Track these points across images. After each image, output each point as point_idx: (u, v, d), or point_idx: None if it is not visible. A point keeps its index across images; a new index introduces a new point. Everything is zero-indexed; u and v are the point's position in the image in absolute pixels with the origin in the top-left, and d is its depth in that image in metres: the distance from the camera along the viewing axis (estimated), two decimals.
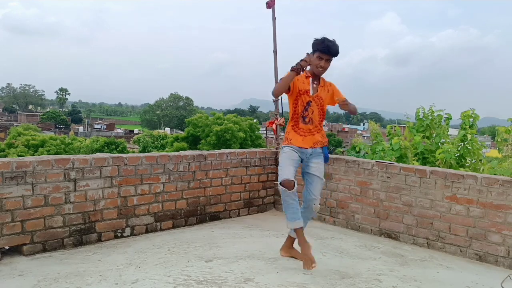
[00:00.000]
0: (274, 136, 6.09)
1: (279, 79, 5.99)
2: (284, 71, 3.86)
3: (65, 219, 3.79)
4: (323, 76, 3.67)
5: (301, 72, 3.51)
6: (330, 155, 5.19)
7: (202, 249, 3.90)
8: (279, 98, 5.69)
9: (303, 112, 3.59)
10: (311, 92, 3.59)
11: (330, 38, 3.50)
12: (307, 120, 3.60)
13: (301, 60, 3.43)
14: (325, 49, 3.46)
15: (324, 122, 3.84)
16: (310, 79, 3.61)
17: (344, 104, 3.53)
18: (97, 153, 4.67)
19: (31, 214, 3.59)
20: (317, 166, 3.62)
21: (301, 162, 3.65)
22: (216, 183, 4.96)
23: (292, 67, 3.43)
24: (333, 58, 3.55)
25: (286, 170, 3.47)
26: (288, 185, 3.39)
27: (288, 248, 3.73)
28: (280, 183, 3.43)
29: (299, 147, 3.59)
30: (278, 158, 5.57)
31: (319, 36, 3.51)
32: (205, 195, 4.87)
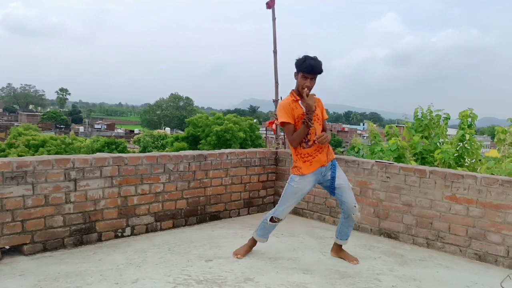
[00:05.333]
0: (274, 136, 6.10)
1: (278, 80, 6.02)
2: (284, 71, 3.85)
3: (66, 219, 3.79)
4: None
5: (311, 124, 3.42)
6: None
7: (202, 248, 3.91)
8: (279, 97, 5.73)
9: (305, 137, 3.48)
10: None
11: (311, 55, 3.42)
12: (310, 143, 3.49)
13: (307, 115, 3.37)
14: (308, 69, 3.37)
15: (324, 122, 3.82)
16: (300, 102, 3.47)
17: (321, 139, 3.39)
18: (98, 153, 4.68)
19: (31, 214, 3.59)
20: (339, 176, 3.58)
21: (319, 183, 3.63)
22: (216, 183, 4.97)
23: (303, 122, 3.40)
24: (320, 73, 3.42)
25: (285, 210, 3.61)
26: (277, 222, 3.66)
27: (338, 250, 3.89)
28: (273, 218, 3.63)
29: (310, 173, 3.51)
30: (278, 158, 5.58)
31: (300, 55, 3.42)
32: (205, 195, 4.88)
